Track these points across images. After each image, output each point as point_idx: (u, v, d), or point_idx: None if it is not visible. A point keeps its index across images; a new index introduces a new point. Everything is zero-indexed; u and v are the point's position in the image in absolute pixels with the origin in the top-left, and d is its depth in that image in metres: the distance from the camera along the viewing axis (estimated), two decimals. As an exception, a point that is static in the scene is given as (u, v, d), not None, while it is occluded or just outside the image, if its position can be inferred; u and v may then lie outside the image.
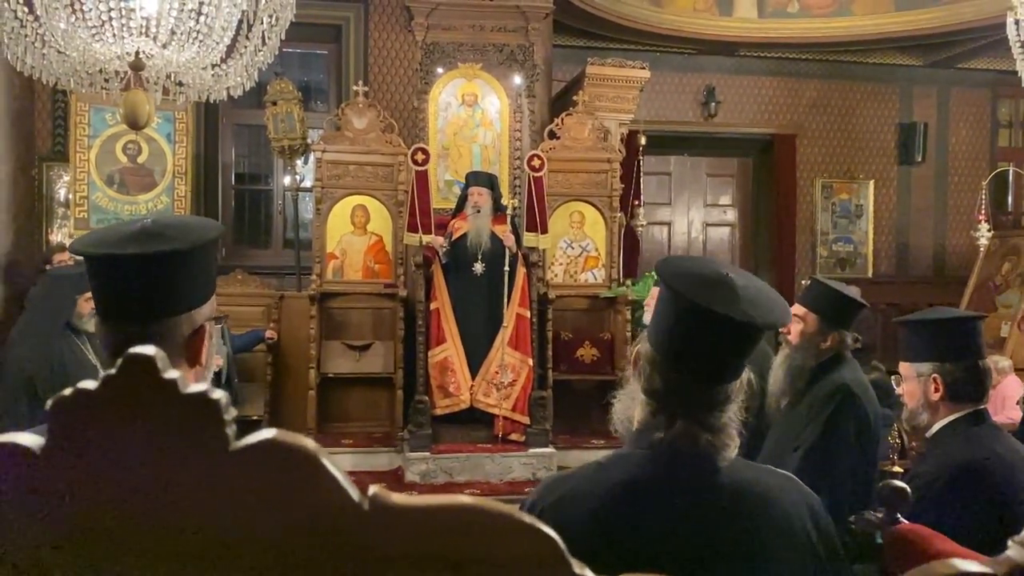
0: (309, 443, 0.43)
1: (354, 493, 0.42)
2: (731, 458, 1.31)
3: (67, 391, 0.43)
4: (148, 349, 0.43)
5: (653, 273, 5.21)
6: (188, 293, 1.31)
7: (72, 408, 0.42)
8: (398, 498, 0.43)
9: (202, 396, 0.42)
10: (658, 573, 1.21)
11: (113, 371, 0.43)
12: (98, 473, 0.42)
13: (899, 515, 1.77)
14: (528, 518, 0.43)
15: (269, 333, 6.52)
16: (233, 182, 8.41)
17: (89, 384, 0.43)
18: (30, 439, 0.42)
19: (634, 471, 1.31)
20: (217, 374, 5.41)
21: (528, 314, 6.03)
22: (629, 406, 1.41)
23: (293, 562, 0.42)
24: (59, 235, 7.33)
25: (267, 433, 0.43)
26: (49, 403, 0.42)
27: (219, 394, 0.43)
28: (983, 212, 7.91)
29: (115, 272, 1.28)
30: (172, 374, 0.42)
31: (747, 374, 1.35)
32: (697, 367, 1.31)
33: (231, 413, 0.43)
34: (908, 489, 1.78)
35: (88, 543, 0.42)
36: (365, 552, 0.42)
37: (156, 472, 0.42)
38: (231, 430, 0.42)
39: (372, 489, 0.43)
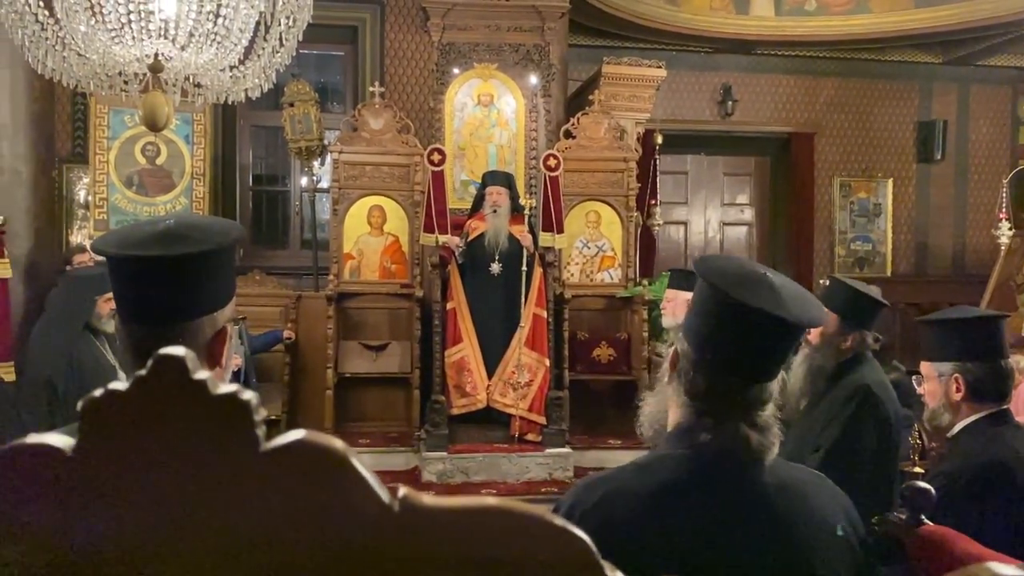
0: (339, 444, 0.43)
1: (384, 495, 0.42)
2: (774, 457, 1.31)
3: (97, 392, 0.43)
4: (178, 350, 0.43)
5: (667, 274, 5.19)
6: (212, 295, 1.32)
7: (103, 409, 0.42)
8: (428, 500, 0.43)
9: (233, 397, 0.42)
10: (704, 572, 1.22)
11: (144, 372, 0.43)
12: (129, 474, 0.42)
13: (923, 516, 1.75)
14: (559, 520, 0.43)
15: (287, 333, 6.56)
16: (251, 183, 8.45)
17: (120, 385, 0.43)
18: (61, 440, 0.42)
19: (678, 472, 1.30)
20: (236, 374, 5.44)
21: (544, 314, 6.03)
22: (661, 409, 1.40)
23: (323, 564, 0.42)
24: (79, 236, 7.39)
25: (297, 434, 0.42)
26: (80, 404, 0.42)
27: (250, 395, 0.43)
28: (1004, 210, 7.82)
29: (140, 274, 1.27)
30: (202, 375, 0.42)
31: (782, 372, 1.35)
32: (741, 367, 1.31)
33: (261, 414, 0.43)
34: (932, 490, 1.76)
35: (119, 545, 0.42)
36: (394, 554, 0.42)
37: (187, 473, 0.42)
38: (261, 431, 0.42)
39: (402, 490, 0.43)
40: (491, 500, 0.43)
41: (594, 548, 0.43)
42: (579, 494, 1.34)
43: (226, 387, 0.42)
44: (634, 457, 1.38)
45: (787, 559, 1.26)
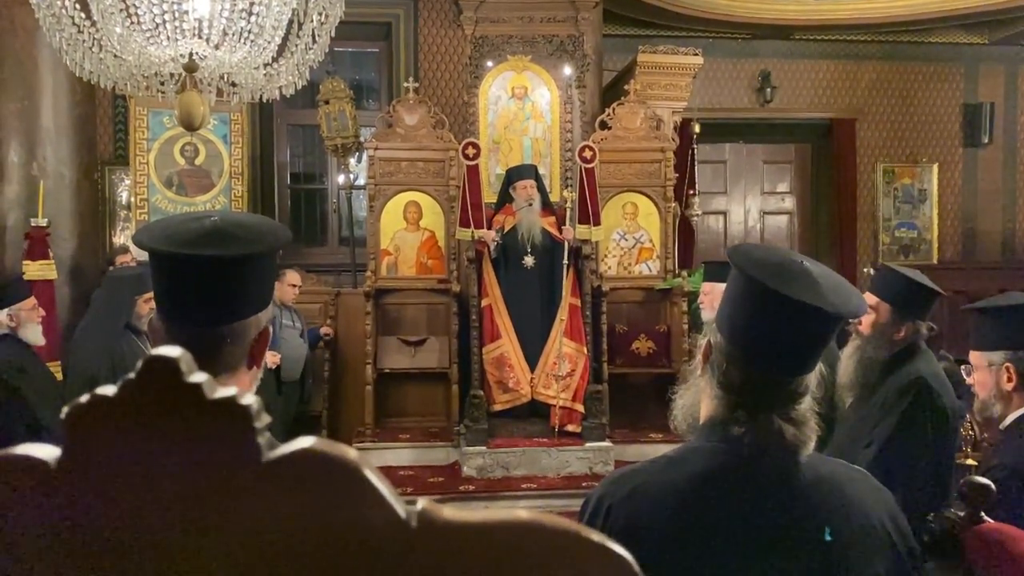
0: (351, 453, 0.39)
1: (400, 509, 0.38)
2: (810, 452, 1.27)
3: (83, 398, 0.39)
4: (172, 350, 0.39)
5: (703, 266, 5.11)
6: (259, 295, 1.30)
7: (90, 416, 0.39)
8: (449, 514, 0.38)
9: (231, 401, 0.38)
10: (736, 566, 1.18)
11: (133, 375, 0.39)
12: (118, 486, 0.39)
13: (982, 513, 1.68)
14: (597, 536, 0.38)
15: (325, 330, 6.60)
16: (288, 181, 8.51)
17: (108, 390, 0.39)
18: (45, 451, 0.39)
19: (711, 464, 1.27)
20: (276, 371, 5.49)
21: (579, 303, 5.98)
22: (694, 401, 1.37)
23: (334, 586, 0.38)
24: (121, 237, 7.50)
25: (304, 442, 0.38)
26: (64, 411, 0.39)
27: (250, 399, 0.39)
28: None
29: (190, 272, 1.24)
30: (197, 377, 0.38)
31: (820, 365, 1.31)
32: (777, 358, 1.27)
33: (263, 420, 0.39)
34: (992, 486, 1.68)
35: (107, 561, 0.39)
36: (413, 574, 0.38)
37: (181, 485, 0.38)
38: (264, 439, 0.38)
39: (421, 503, 0.39)
40: (521, 514, 0.38)
41: (637, 567, 0.39)
42: (608, 487, 1.31)
43: (223, 391, 0.39)
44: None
45: (823, 555, 1.23)
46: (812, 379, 1.29)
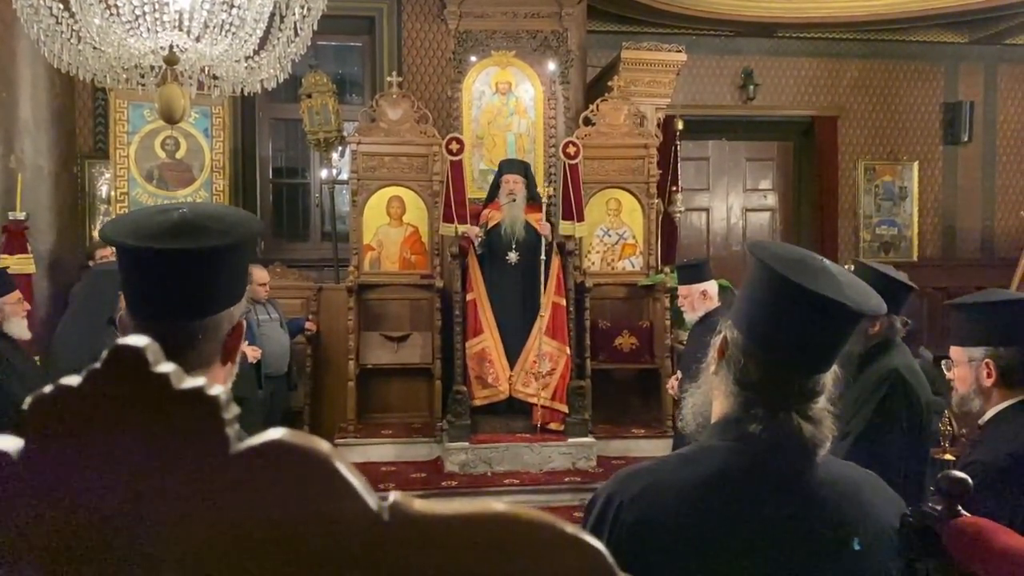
0: (322, 445, 0.38)
1: (372, 501, 0.37)
2: (826, 452, 1.26)
3: (47, 388, 0.38)
4: (139, 340, 0.38)
5: (676, 270, 5.12)
6: (233, 289, 1.28)
7: (53, 407, 0.38)
8: (422, 506, 0.38)
9: (198, 392, 0.38)
10: (751, 566, 1.17)
11: (98, 365, 0.38)
12: (82, 478, 0.38)
13: (959, 507, 1.68)
14: (571, 528, 0.38)
15: (308, 325, 6.57)
16: (271, 176, 8.46)
17: (72, 380, 0.38)
18: (7, 441, 0.38)
19: (725, 463, 1.25)
20: (256, 367, 5.45)
21: (564, 302, 5.98)
22: (704, 400, 1.35)
23: (303, 580, 0.38)
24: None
25: (274, 433, 0.38)
26: (27, 401, 0.38)
27: (218, 390, 0.38)
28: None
29: (161, 266, 1.21)
30: (165, 367, 0.38)
31: (836, 365, 1.29)
32: (797, 355, 1.25)
33: (232, 411, 0.38)
34: (969, 480, 1.69)
35: (71, 554, 0.38)
36: (385, 568, 0.37)
37: (147, 477, 0.37)
38: (232, 430, 0.38)
39: (393, 496, 0.38)
40: (494, 505, 0.38)
41: (611, 560, 0.38)
42: (618, 485, 1.28)
43: (192, 381, 0.38)
44: (657, 446, 1.35)
45: (839, 558, 1.21)
46: (829, 378, 1.27)
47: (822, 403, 1.26)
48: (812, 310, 1.21)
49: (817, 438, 1.24)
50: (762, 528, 1.20)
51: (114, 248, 1.29)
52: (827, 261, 1.27)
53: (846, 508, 1.24)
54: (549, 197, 6.09)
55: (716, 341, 1.34)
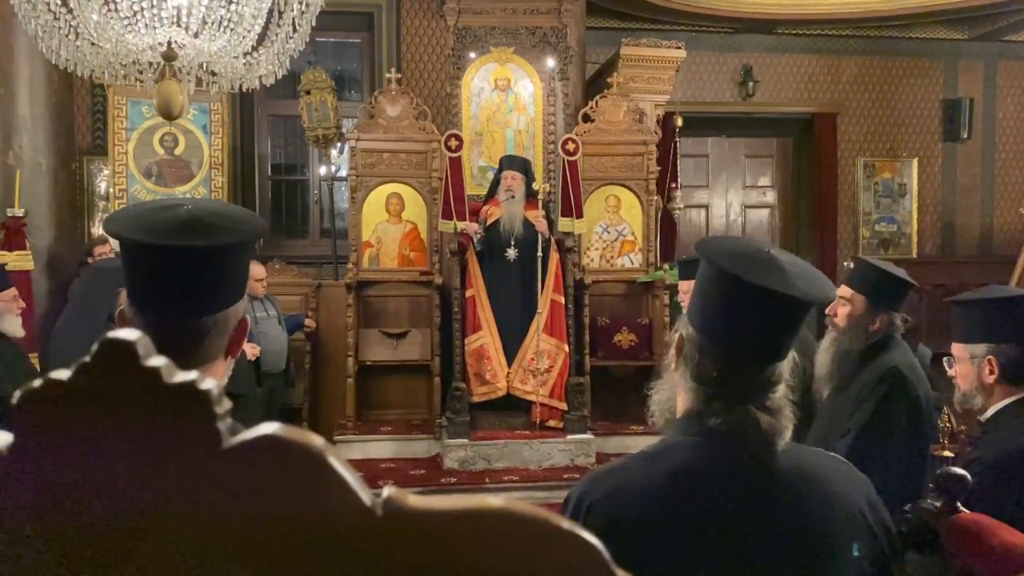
0: (315, 440, 0.38)
1: (366, 497, 0.37)
2: (787, 441, 1.28)
3: (36, 382, 0.38)
4: (129, 333, 0.38)
5: (677, 265, 5.12)
6: (238, 284, 1.29)
7: (42, 401, 0.37)
8: (416, 502, 0.37)
9: (190, 386, 0.37)
10: (721, 558, 1.18)
11: (88, 359, 0.38)
12: (72, 472, 0.37)
13: (958, 503, 1.69)
14: (567, 523, 0.38)
15: (308, 322, 6.56)
16: (269, 172, 8.45)
17: (62, 373, 0.38)
18: (-4, 437, 0.38)
19: (689, 459, 1.27)
20: (256, 363, 5.45)
21: (563, 300, 5.97)
22: (670, 396, 1.37)
23: (295, 574, 0.37)
24: (100, 228, 7.42)
25: (267, 428, 0.37)
26: (16, 395, 0.38)
27: (209, 384, 0.38)
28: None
29: (168, 263, 1.21)
30: (155, 361, 0.37)
31: (793, 354, 1.31)
32: (749, 347, 1.27)
33: (224, 405, 0.38)
34: (968, 476, 1.70)
35: (60, 549, 0.38)
36: (379, 563, 0.37)
37: (137, 472, 0.37)
38: (224, 425, 0.37)
39: (386, 491, 0.38)
40: (489, 500, 0.37)
41: (607, 555, 0.38)
42: (588, 485, 1.31)
43: (183, 375, 0.38)
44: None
45: (806, 545, 1.23)
46: (785, 367, 1.29)
47: (780, 392, 1.28)
48: (759, 302, 1.23)
49: (776, 428, 1.25)
50: (729, 521, 1.22)
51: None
52: (776, 252, 1.29)
53: (811, 495, 1.26)
54: (546, 194, 6.08)
55: (674, 338, 1.36)
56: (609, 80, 6.97)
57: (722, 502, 1.23)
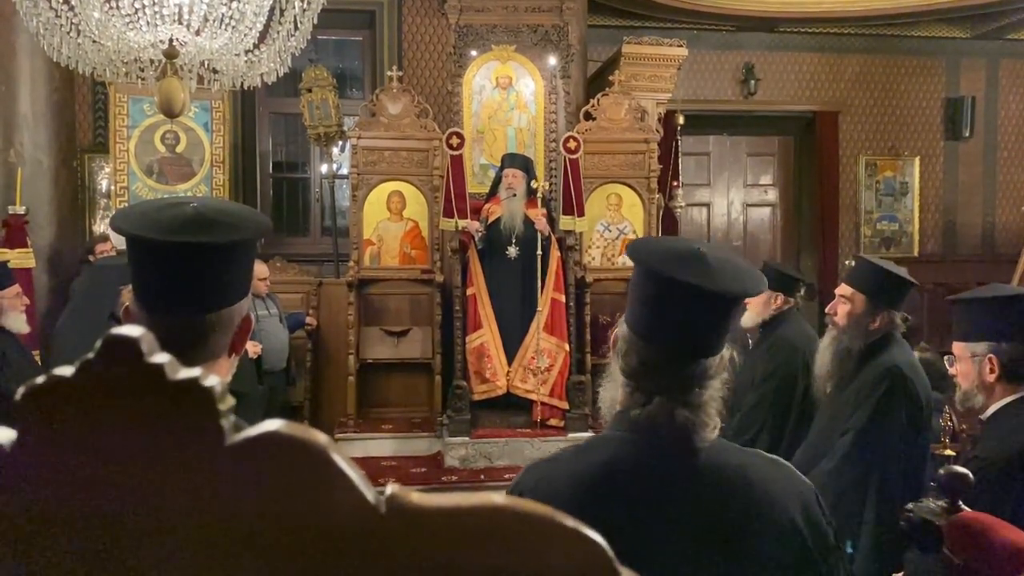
0: (319, 436, 0.38)
1: (370, 494, 0.37)
2: (711, 438, 1.28)
3: (40, 379, 0.38)
4: (133, 329, 0.38)
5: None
6: (243, 282, 1.31)
7: (46, 398, 0.37)
8: (420, 499, 0.37)
9: (193, 383, 0.37)
10: (639, 553, 1.17)
11: (91, 355, 0.38)
12: (75, 469, 0.37)
13: (959, 502, 1.69)
14: (571, 521, 0.38)
15: (309, 320, 6.56)
16: (271, 170, 8.45)
17: (65, 370, 0.38)
18: (0, 433, 0.37)
19: (613, 452, 1.29)
20: (257, 362, 5.45)
21: (563, 298, 5.97)
22: (614, 393, 1.39)
23: (298, 572, 0.37)
24: (101, 226, 7.42)
25: (270, 425, 0.37)
26: (19, 392, 0.38)
27: (213, 381, 0.38)
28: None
29: (175, 260, 1.22)
30: (159, 358, 0.37)
31: (728, 351, 1.32)
32: (673, 342, 1.29)
33: (228, 402, 0.38)
34: (970, 475, 1.69)
35: (63, 546, 0.38)
36: (382, 561, 0.37)
37: (140, 469, 0.37)
38: (227, 421, 0.37)
39: (390, 488, 0.38)
40: (493, 498, 0.37)
41: (611, 552, 0.38)
42: (523, 476, 1.35)
43: (186, 372, 0.38)
44: None
45: (718, 543, 1.22)
46: (715, 364, 1.29)
47: (710, 389, 1.28)
48: (685, 299, 1.25)
49: (694, 423, 1.26)
50: (646, 516, 1.23)
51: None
52: (707, 249, 1.31)
53: (732, 494, 1.25)
54: (545, 192, 6.07)
55: (611, 336, 1.39)
56: (610, 78, 6.96)
57: (641, 497, 1.24)
